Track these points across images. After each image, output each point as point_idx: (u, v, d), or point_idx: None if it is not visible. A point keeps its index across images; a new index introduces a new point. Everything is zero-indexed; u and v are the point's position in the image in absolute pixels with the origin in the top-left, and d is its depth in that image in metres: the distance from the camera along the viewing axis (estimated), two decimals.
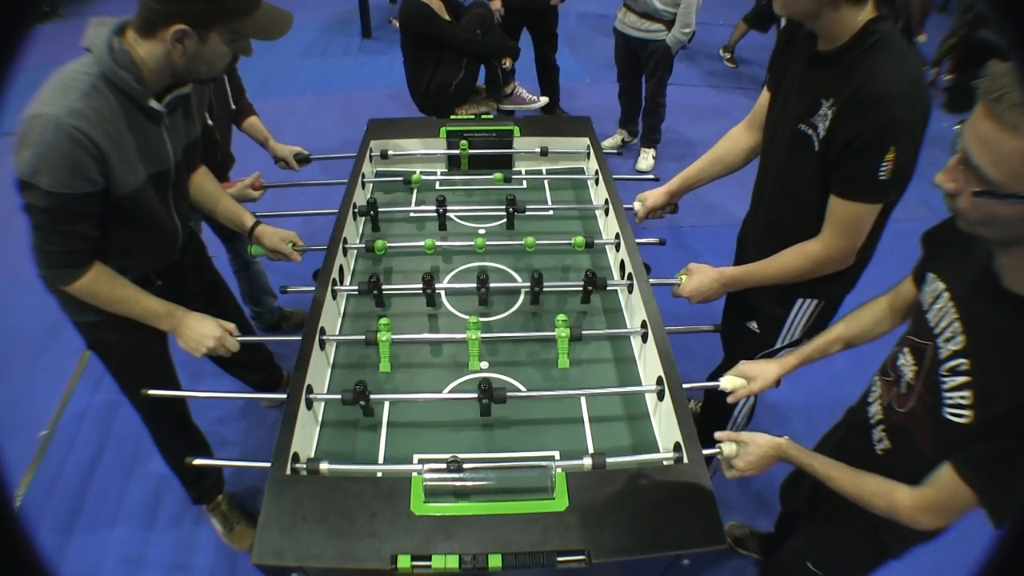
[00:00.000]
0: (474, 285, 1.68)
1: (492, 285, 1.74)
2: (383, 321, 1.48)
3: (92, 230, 1.33)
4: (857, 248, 1.44)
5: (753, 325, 1.78)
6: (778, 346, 1.74)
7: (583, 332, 1.53)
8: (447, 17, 3.12)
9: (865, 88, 1.26)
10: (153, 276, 1.57)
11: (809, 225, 1.47)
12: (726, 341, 2.06)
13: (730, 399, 1.40)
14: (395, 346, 1.56)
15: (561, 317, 1.51)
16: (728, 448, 1.24)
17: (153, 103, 1.34)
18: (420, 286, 1.66)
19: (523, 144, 2.30)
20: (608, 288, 1.76)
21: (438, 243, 1.82)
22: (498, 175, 2.14)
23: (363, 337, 1.49)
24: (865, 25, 1.28)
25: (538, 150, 2.26)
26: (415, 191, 2.20)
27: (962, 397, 0.96)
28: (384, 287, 1.69)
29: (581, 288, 1.70)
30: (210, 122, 2.08)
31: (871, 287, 1.42)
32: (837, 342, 1.35)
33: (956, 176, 0.88)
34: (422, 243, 1.84)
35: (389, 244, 1.84)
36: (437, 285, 1.69)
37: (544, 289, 1.68)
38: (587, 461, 1.23)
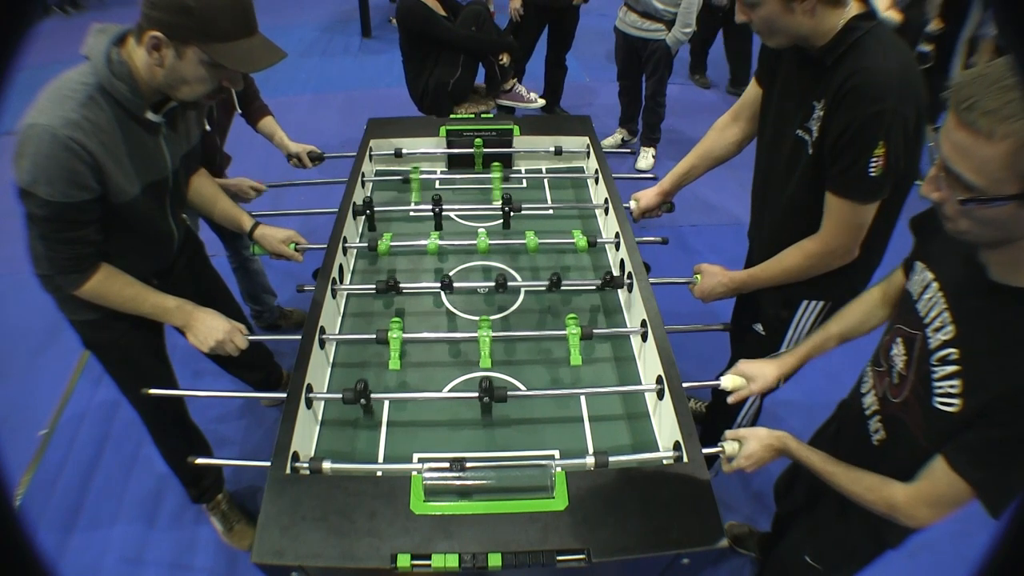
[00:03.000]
0: (477, 284, 1.67)
1: (489, 284, 1.74)
2: (394, 319, 1.49)
3: (95, 234, 1.33)
4: (857, 243, 1.43)
5: (758, 327, 1.78)
6: (783, 349, 1.73)
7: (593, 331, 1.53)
8: (443, 14, 3.11)
9: (851, 80, 1.25)
10: (149, 277, 1.57)
11: (814, 230, 1.47)
12: (734, 342, 2.06)
13: (730, 399, 1.40)
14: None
15: (571, 316, 1.52)
16: (730, 447, 1.25)
17: (150, 115, 1.34)
18: (432, 285, 1.66)
19: (525, 143, 2.30)
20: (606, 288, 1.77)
21: (442, 243, 1.82)
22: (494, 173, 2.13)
23: (373, 336, 1.50)
24: (848, 22, 1.28)
25: (552, 149, 2.26)
26: (415, 190, 2.21)
27: (951, 386, 0.97)
28: (361, 287, 1.69)
29: (584, 288, 1.70)
30: (208, 128, 2.09)
31: None
32: (832, 338, 1.36)
33: (939, 185, 0.89)
34: (422, 243, 1.83)
35: (392, 244, 1.83)
36: (462, 284, 1.71)
37: (545, 289, 1.68)
38: (590, 460, 1.23)
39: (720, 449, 1.26)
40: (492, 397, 1.35)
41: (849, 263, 1.48)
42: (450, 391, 1.49)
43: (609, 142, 4.23)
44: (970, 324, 0.97)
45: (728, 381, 1.39)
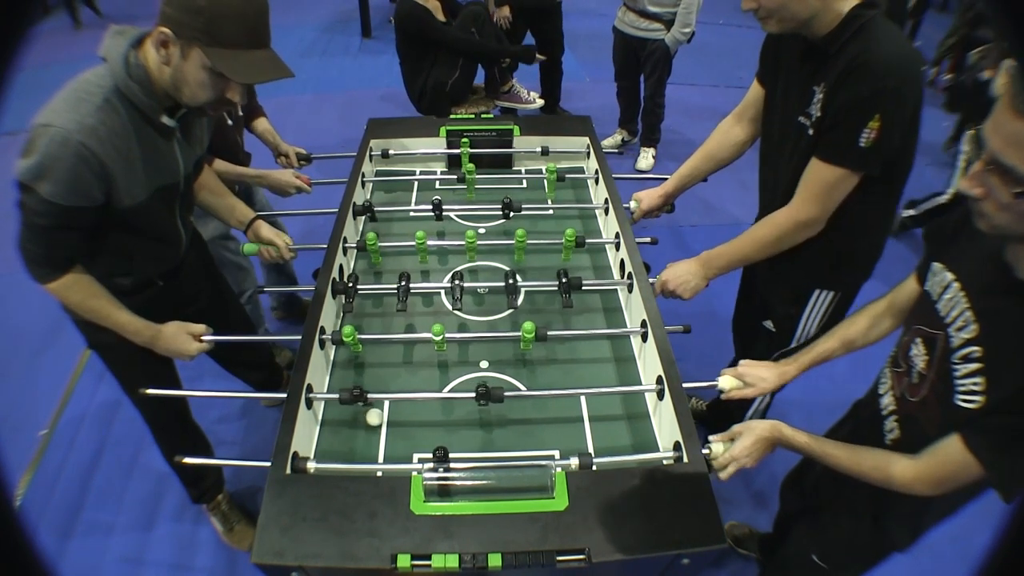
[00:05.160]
0: (474, 285, 1.68)
1: (491, 284, 1.74)
2: (347, 330, 1.46)
3: (79, 241, 1.33)
4: (826, 216, 1.44)
5: (769, 324, 1.78)
6: (794, 345, 1.73)
7: (567, 332, 1.55)
8: (443, 18, 3.11)
9: (859, 59, 1.27)
10: (155, 278, 1.58)
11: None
12: (740, 342, 2.05)
13: (723, 396, 1.40)
14: (395, 345, 1.56)
15: (527, 326, 1.47)
16: (716, 447, 1.23)
17: (165, 119, 1.34)
18: (438, 285, 1.68)
19: (524, 143, 2.30)
20: (606, 288, 1.77)
21: (436, 242, 1.81)
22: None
23: (370, 336, 1.51)
24: (851, 11, 1.30)
25: (539, 149, 2.26)
26: (415, 190, 2.21)
27: (975, 383, 0.97)
28: (362, 287, 1.70)
29: (542, 288, 1.70)
30: (230, 122, 2.10)
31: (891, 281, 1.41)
32: (836, 348, 1.36)
33: (984, 181, 0.87)
34: (414, 242, 1.84)
35: (385, 243, 1.83)
36: (417, 285, 1.71)
37: (542, 289, 1.69)
38: (574, 461, 1.22)
39: (708, 451, 1.23)
40: (489, 399, 1.35)
41: (856, 252, 1.50)
42: (451, 391, 1.48)
43: (609, 143, 4.23)
44: (993, 322, 0.97)
45: (725, 382, 1.39)
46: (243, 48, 1.23)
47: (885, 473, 1.08)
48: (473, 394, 1.36)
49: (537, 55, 3.45)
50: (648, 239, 2.02)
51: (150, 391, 1.49)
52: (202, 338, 1.55)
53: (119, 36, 1.27)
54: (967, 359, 0.99)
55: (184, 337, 1.52)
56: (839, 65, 1.30)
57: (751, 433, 1.21)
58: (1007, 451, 0.94)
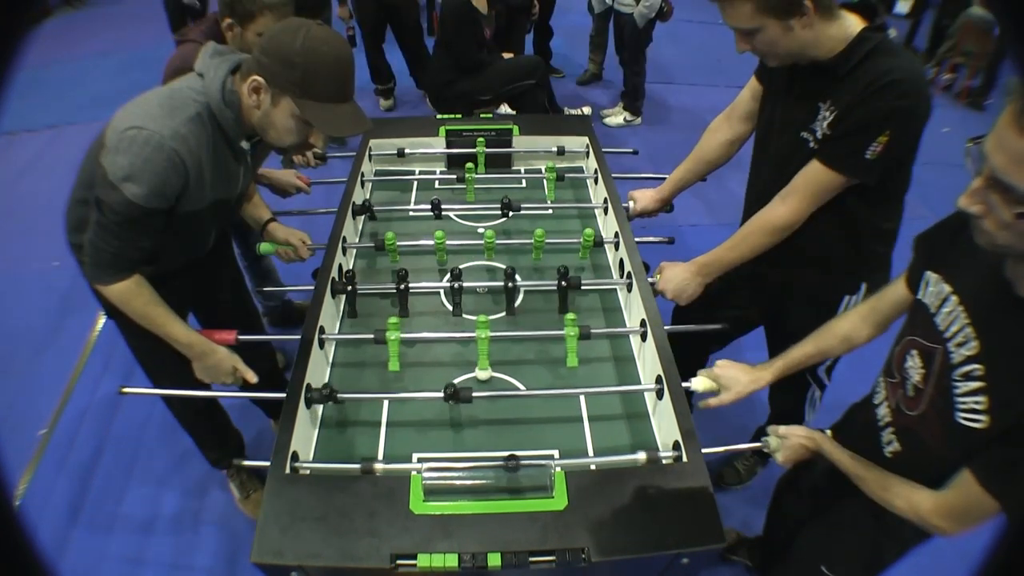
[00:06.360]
0: (474, 284, 1.67)
1: (490, 284, 1.74)
2: (392, 320, 1.48)
3: (149, 243, 1.35)
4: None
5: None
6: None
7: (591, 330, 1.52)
8: (485, 9, 3.13)
9: (881, 79, 1.28)
10: (179, 269, 1.59)
11: (806, 230, 1.49)
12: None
13: (701, 404, 1.40)
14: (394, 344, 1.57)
15: (570, 316, 1.51)
16: (775, 442, 1.31)
17: (244, 143, 1.41)
18: (438, 285, 1.67)
19: (527, 143, 2.30)
20: (606, 288, 1.77)
21: (429, 241, 1.81)
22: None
23: (371, 336, 1.50)
24: (860, 33, 1.32)
25: (554, 149, 2.26)
26: (415, 190, 2.21)
27: (976, 402, 0.95)
28: (362, 286, 1.69)
29: (541, 288, 1.70)
30: None
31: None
32: (813, 355, 1.36)
33: (984, 198, 0.84)
34: (423, 242, 1.84)
35: (399, 243, 1.83)
36: (417, 284, 1.71)
37: (539, 289, 1.68)
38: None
39: (764, 445, 1.33)
40: (457, 399, 1.35)
41: (879, 243, 1.53)
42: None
43: (612, 121, 4.48)
44: (995, 340, 0.94)
45: (699, 383, 1.39)
46: (331, 101, 1.29)
47: (910, 503, 1.07)
48: (478, 393, 1.37)
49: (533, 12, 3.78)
50: (665, 239, 2.03)
51: (125, 390, 1.51)
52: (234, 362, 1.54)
53: (219, 57, 1.34)
54: (968, 376, 0.97)
55: (229, 367, 1.53)
56: (857, 84, 1.31)
57: (797, 438, 1.28)
58: (1016, 483, 0.91)
